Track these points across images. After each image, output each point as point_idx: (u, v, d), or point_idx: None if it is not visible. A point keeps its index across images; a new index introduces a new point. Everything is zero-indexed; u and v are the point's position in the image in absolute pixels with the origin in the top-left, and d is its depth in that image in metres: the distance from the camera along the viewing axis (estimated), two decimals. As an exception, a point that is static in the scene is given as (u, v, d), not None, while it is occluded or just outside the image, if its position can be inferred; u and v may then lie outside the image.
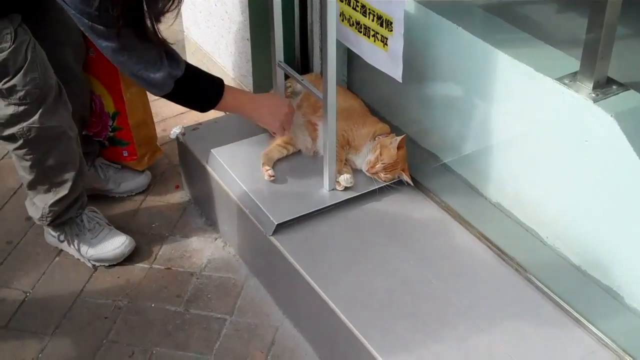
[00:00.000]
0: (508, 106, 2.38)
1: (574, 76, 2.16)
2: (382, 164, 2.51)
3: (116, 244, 2.69)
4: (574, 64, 2.17)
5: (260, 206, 2.49)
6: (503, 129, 2.43)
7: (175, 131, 3.23)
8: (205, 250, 2.78)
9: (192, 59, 3.60)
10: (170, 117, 3.45)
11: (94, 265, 2.70)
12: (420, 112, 2.75)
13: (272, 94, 2.69)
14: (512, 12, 2.69)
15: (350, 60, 2.94)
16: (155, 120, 3.27)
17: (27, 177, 2.52)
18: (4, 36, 2.21)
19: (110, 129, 2.91)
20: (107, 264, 2.71)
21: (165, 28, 2.28)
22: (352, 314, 2.18)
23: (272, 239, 2.43)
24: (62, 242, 2.70)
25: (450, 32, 2.47)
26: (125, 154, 2.97)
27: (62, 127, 2.46)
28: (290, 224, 2.46)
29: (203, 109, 2.49)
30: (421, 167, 2.67)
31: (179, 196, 3.03)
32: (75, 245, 2.68)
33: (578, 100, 2.11)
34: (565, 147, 2.21)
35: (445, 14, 2.51)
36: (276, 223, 2.43)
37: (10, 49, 2.22)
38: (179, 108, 3.47)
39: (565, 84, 2.15)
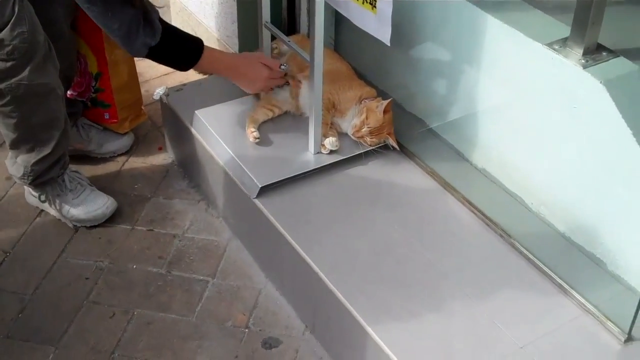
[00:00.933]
0: (496, 71, 2.36)
1: (564, 42, 2.14)
2: (368, 127, 2.49)
3: (98, 204, 2.66)
4: (564, 30, 2.15)
5: (245, 168, 2.46)
6: (490, 95, 2.41)
7: (158, 92, 3.19)
8: (188, 212, 2.76)
9: (176, 18, 3.55)
10: (154, 78, 3.40)
11: (75, 226, 2.67)
12: (407, 77, 2.72)
13: (258, 54, 2.65)
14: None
15: (338, 22, 2.90)
16: (139, 80, 3.24)
17: (11, 135, 2.48)
18: None
19: (92, 90, 2.86)
20: (88, 225, 2.68)
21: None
22: (335, 277, 2.17)
23: (256, 201, 2.41)
24: (43, 202, 2.67)
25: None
26: (107, 116, 2.92)
27: (50, 85, 2.41)
28: (274, 187, 2.44)
29: (181, 69, 2.54)
30: (407, 132, 2.65)
31: (162, 158, 2.99)
32: (57, 206, 2.65)
33: (567, 66, 2.09)
34: (553, 114, 2.19)
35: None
36: (260, 186, 2.40)
37: None
38: (163, 69, 3.42)
39: (554, 49, 2.12)
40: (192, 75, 3.34)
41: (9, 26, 2.21)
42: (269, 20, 2.57)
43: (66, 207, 2.64)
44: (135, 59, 2.84)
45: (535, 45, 2.16)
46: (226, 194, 2.62)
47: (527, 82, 2.25)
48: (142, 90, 3.24)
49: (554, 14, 2.29)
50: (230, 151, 2.54)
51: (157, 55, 2.40)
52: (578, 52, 2.10)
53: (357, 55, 2.88)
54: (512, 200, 2.41)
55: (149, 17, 2.29)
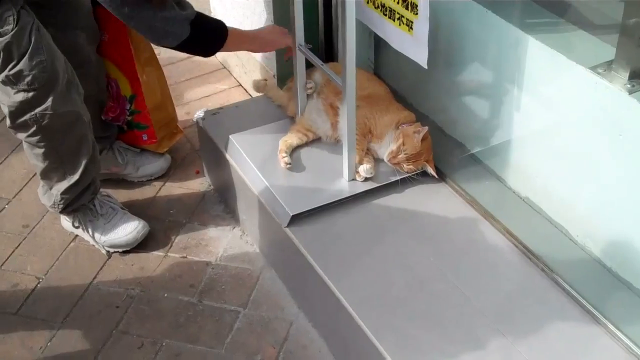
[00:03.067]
0: (539, 95, 2.24)
1: (608, 65, 2.01)
2: (405, 154, 2.39)
3: (129, 229, 2.62)
4: (609, 52, 2.02)
5: (276, 196, 2.39)
6: (533, 119, 2.29)
7: (198, 114, 3.16)
8: (222, 239, 2.70)
9: (219, 39, 3.51)
10: (194, 100, 3.36)
11: (108, 252, 2.64)
12: (447, 100, 2.62)
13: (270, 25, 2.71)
14: None
15: (377, 44, 2.81)
16: (178, 103, 3.21)
17: (40, 165, 2.46)
18: (5, 19, 2.13)
19: (128, 113, 2.83)
20: (121, 250, 2.64)
21: (193, 2, 2.31)
22: (365, 313, 2.07)
23: (287, 230, 2.33)
24: (76, 227, 2.64)
25: (480, 16, 2.34)
26: (145, 137, 2.90)
27: (75, 112, 2.39)
28: (306, 215, 2.36)
29: (210, 52, 2.46)
30: (447, 158, 2.54)
31: (199, 182, 2.94)
32: (89, 231, 2.62)
33: (612, 91, 1.96)
34: (598, 141, 2.06)
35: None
36: (291, 214, 2.33)
37: (13, 32, 2.14)
38: (203, 91, 3.41)
39: (599, 73, 2.00)
40: (230, 98, 3.32)
41: (27, 55, 2.18)
42: (302, 43, 2.49)
43: (98, 233, 2.61)
44: (171, 81, 2.80)
45: (578, 68, 2.04)
46: (259, 221, 2.55)
47: (571, 107, 2.13)
48: (182, 112, 3.22)
49: (599, 34, 2.16)
50: (262, 177, 2.47)
51: (195, 36, 2.29)
52: (624, 76, 1.97)
53: (397, 77, 2.79)
54: (555, 231, 2.28)
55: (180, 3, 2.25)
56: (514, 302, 2.09)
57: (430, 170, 2.44)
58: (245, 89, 3.39)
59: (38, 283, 2.56)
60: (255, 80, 2.96)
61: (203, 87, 3.44)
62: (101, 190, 2.64)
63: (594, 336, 1.99)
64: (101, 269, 2.60)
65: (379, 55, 2.86)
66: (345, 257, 2.26)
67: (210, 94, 3.38)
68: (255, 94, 3.06)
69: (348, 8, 2.13)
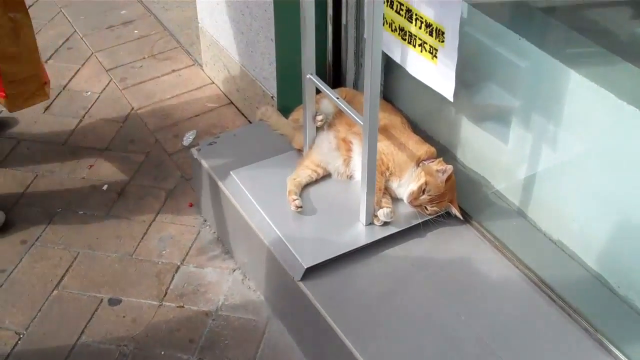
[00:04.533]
0: (578, 132, 2.03)
1: (662, 105, 1.81)
2: (429, 195, 2.17)
3: None
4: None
5: (288, 245, 2.16)
6: (573, 159, 2.08)
7: (188, 137, 2.92)
8: (222, 283, 2.46)
9: (207, 52, 3.25)
10: (183, 121, 3.10)
11: None
12: (470, 131, 2.39)
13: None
14: (578, 17, 2.31)
15: (387, 66, 2.58)
16: (165, 124, 2.95)
17: None
18: None
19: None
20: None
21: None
22: (396, 386, 1.86)
23: (301, 284, 2.10)
24: None
25: (511, 43, 2.11)
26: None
27: None
28: (320, 267, 2.13)
29: None
30: (471, 196, 2.32)
31: (193, 217, 2.69)
32: None
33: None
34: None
35: (504, 20, 2.15)
36: (306, 267, 2.10)
37: None
38: (191, 109, 3.15)
39: (653, 115, 1.80)
40: (221, 117, 3.07)
41: None
42: (314, 72, 2.25)
43: None
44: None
45: (628, 109, 1.83)
46: (266, 270, 2.31)
47: (617, 150, 1.92)
48: (170, 135, 2.96)
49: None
50: (270, 222, 2.23)
51: None
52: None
53: (412, 104, 2.56)
54: (595, 282, 2.08)
55: None
56: (558, 369, 1.90)
57: (455, 212, 2.23)
58: (237, 108, 3.14)
59: (18, 340, 2.29)
60: (259, 111, 2.71)
61: (191, 104, 3.18)
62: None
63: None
64: (89, 321, 2.34)
65: (389, 78, 2.62)
66: (367, 315, 2.03)
67: (200, 113, 3.12)
68: (252, 117, 2.81)
69: (374, 38, 1.89)
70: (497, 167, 2.33)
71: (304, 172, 2.34)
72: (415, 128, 2.48)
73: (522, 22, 2.12)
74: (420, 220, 2.22)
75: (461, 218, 2.24)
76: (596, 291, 2.06)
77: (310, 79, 2.24)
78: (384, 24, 2.24)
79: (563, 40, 2.10)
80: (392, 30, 2.25)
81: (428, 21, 2.09)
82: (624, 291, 2.02)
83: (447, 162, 2.26)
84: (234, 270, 2.49)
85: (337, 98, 2.18)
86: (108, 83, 3.36)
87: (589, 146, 2.03)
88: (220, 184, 2.43)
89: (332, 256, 2.13)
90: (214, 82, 3.29)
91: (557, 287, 2.07)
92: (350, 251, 2.16)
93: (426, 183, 2.18)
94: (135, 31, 3.71)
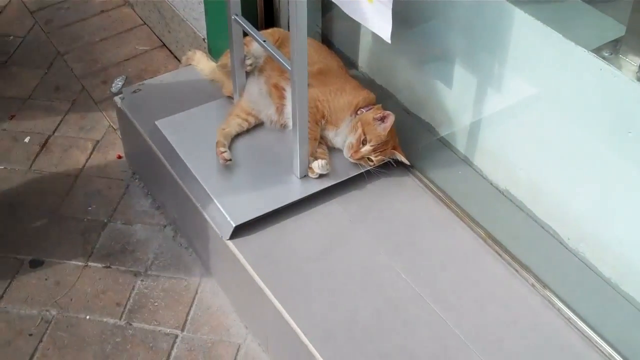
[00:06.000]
0: (526, 75, 1.88)
1: (615, 46, 1.67)
2: (371, 145, 2.02)
3: None
4: (616, 29, 1.68)
5: (215, 202, 2.00)
6: (518, 103, 1.94)
7: (117, 83, 2.74)
8: (151, 241, 2.30)
9: (137, -9, 3.04)
10: (111, 66, 2.90)
11: None
12: (413, 73, 2.23)
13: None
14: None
15: (325, 6, 2.39)
16: (92, 68, 2.75)
17: None
18: None
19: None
20: None
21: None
22: (326, 348, 1.73)
23: (230, 243, 1.96)
24: None
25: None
26: None
27: None
28: (252, 224, 1.98)
29: None
30: (413, 143, 2.18)
31: (121, 169, 2.52)
32: None
33: (621, 80, 1.62)
34: (600, 138, 1.73)
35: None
36: (234, 225, 1.95)
37: None
38: (121, 53, 2.95)
39: (604, 57, 1.66)
40: (153, 61, 2.87)
41: None
42: (239, 12, 2.06)
43: None
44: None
45: (577, 50, 1.69)
46: (196, 227, 2.16)
47: (567, 94, 1.78)
48: (98, 81, 2.78)
49: (601, 5, 1.80)
50: (197, 177, 2.07)
51: None
52: (635, 61, 1.63)
53: (352, 46, 2.39)
54: (544, 233, 1.96)
55: None
56: (501, 328, 1.77)
57: (402, 157, 2.08)
58: (170, 51, 2.94)
59: None
60: (184, 57, 2.51)
61: (121, 48, 2.98)
62: None
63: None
64: (8, 286, 2.18)
65: (327, 18, 2.44)
66: (300, 276, 1.90)
67: (130, 57, 2.92)
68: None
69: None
70: (441, 112, 2.19)
71: (234, 121, 2.17)
72: (357, 74, 2.32)
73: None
74: (361, 171, 2.07)
75: (408, 163, 2.09)
76: (545, 244, 1.95)
77: (236, 19, 2.06)
78: (316, -42, 2.06)
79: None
80: (325, -35, 2.07)
81: (363, -45, 1.91)
82: (574, 244, 1.90)
83: (388, 107, 2.11)
84: (165, 227, 2.34)
85: (264, 41, 2.01)
86: (32, 26, 3.13)
87: (537, 90, 1.88)
88: (145, 135, 2.26)
89: (262, 213, 1.98)
90: (145, 23, 3.08)
91: (504, 240, 1.95)
92: (282, 207, 2.01)
93: (364, 133, 2.02)
94: (63, -32, 3.47)
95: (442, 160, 2.16)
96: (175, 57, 2.88)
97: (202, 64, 2.40)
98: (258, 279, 1.88)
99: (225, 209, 1.98)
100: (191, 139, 2.18)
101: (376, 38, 2.03)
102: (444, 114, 2.18)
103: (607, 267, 1.84)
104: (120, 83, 2.76)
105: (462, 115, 2.13)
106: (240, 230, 1.96)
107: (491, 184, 2.09)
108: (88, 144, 2.60)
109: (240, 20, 2.05)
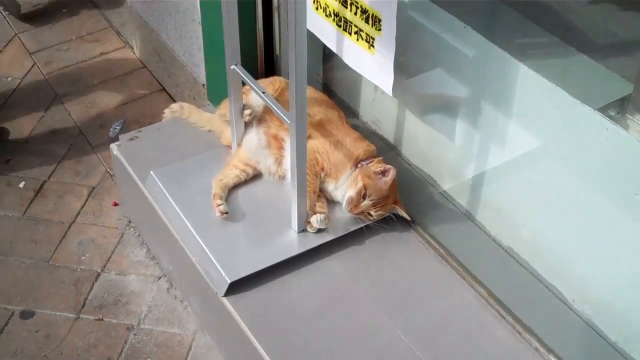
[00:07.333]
0: (529, 130, 1.84)
1: (622, 105, 1.62)
2: (370, 200, 1.97)
3: None
4: (622, 87, 1.63)
5: (211, 256, 1.95)
6: (524, 159, 1.90)
7: (115, 128, 2.69)
8: (145, 293, 2.25)
9: (136, 34, 3.01)
10: (110, 110, 2.86)
11: None
12: (415, 125, 2.19)
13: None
14: (529, 3, 2.09)
15: (326, 56, 2.36)
16: (91, 112, 2.72)
17: None
18: None
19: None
20: None
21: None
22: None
23: (225, 300, 1.90)
24: None
25: (455, 31, 1.91)
26: None
27: None
28: (248, 279, 1.92)
29: None
30: (416, 197, 2.13)
31: (116, 217, 2.47)
32: None
33: (627, 141, 1.58)
34: (608, 196, 1.68)
35: (448, 6, 1.94)
36: (230, 281, 1.89)
37: None
38: (120, 97, 2.91)
39: (610, 116, 1.61)
40: (152, 106, 2.84)
41: None
42: (239, 61, 2.03)
43: None
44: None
45: (583, 109, 1.64)
46: (190, 281, 2.11)
47: (572, 154, 1.74)
48: (96, 125, 2.73)
49: (608, 62, 1.76)
50: (193, 230, 2.02)
51: None
52: (642, 121, 1.59)
53: (352, 94, 2.35)
54: (548, 294, 1.90)
55: None
56: (505, 396, 1.72)
57: (402, 212, 2.03)
58: (169, 95, 2.91)
59: None
60: (168, 110, 2.43)
61: (120, 91, 2.94)
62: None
63: None
64: (-3, 337, 2.14)
65: (328, 66, 2.40)
66: (297, 336, 1.83)
67: (129, 101, 2.89)
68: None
69: (298, 21, 1.67)
70: (443, 166, 2.14)
71: (232, 172, 2.13)
72: (357, 123, 2.27)
73: (467, 8, 1.91)
74: (360, 225, 2.02)
75: (409, 218, 2.04)
76: (549, 305, 1.89)
77: (235, 69, 2.02)
78: (317, 8, 2.02)
79: (512, 29, 1.90)
80: (326, 16, 2.03)
81: (364, 6, 1.87)
82: (579, 305, 1.84)
83: (389, 160, 2.07)
84: (159, 278, 2.29)
85: (263, 92, 1.97)
86: (31, 67, 3.10)
87: (541, 146, 1.84)
88: (140, 184, 2.21)
89: (259, 269, 1.92)
90: (145, 66, 3.05)
91: (506, 300, 1.89)
92: (279, 262, 1.95)
93: (365, 187, 1.98)
94: (64, 10, 3.44)
95: (443, 215, 2.10)
96: (175, 102, 2.84)
97: (193, 117, 2.35)
98: (253, 339, 1.82)
99: (220, 264, 1.93)
100: (187, 189, 2.13)
101: (378, 87, 1.99)
102: (446, 168, 2.13)
103: (613, 331, 1.78)
104: (118, 127, 2.73)
105: (464, 169, 2.08)
106: (235, 287, 1.91)
107: (494, 240, 2.04)
108: (84, 190, 2.55)
109: (239, 71, 2.01)
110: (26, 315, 2.19)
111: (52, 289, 2.25)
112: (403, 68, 1.90)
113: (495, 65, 1.86)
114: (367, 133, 2.23)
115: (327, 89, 2.42)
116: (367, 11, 1.87)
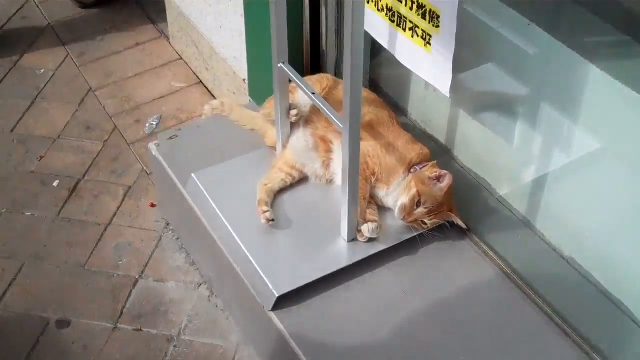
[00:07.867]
0: (594, 133, 1.72)
1: None
2: (425, 208, 1.85)
3: None
4: None
5: (257, 268, 1.84)
6: (589, 163, 1.77)
7: (152, 124, 2.59)
8: (185, 301, 2.15)
9: (174, 25, 2.89)
10: (145, 103, 2.75)
11: None
12: (472, 128, 2.06)
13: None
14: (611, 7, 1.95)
15: (374, 51, 2.23)
16: (125, 107, 2.62)
17: None
18: None
19: None
20: None
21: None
22: None
23: (272, 315, 1.80)
24: None
25: (519, 28, 1.78)
26: None
27: None
28: (295, 293, 1.82)
29: None
30: (471, 204, 2.00)
31: (154, 219, 2.37)
32: None
33: None
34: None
35: (511, 2, 1.80)
36: (277, 295, 1.79)
37: None
38: (156, 90, 2.81)
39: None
40: (189, 100, 2.73)
41: None
42: (286, 59, 1.91)
43: None
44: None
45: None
46: (233, 291, 2.01)
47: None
48: (131, 120, 2.63)
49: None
50: (237, 238, 1.91)
51: None
52: None
53: (403, 93, 2.22)
54: (614, 310, 1.78)
55: None
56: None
57: (458, 221, 1.91)
58: (207, 89, 2.79)
59: (-49, 370, 2.01)
60: (208, 106, 2.30)
61: (156, 84, 2.84)
62: None
63: None
64: (33, 349, 2.04)
65: (376, 62, 2.28)
66: (348, 353, 1.73)
67: (165, 95, 2.78)
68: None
69: (355, 21, 1.55)
70: (500, 170, 2.02)
71: (277, 175, 2.02)
72: (409, 125, 2.15)
73: (532, 4, 1.78)
74: (413, 234, 1.91)
75: (465, 227, 1.92)
76: (618, 323, 1.77)
77: (282, 68, 1.90)
78: (369, 2, 1.90)
79: (580, 27, 1.76)
80: (378, 10, 1.90)
81: (420, 1, 1.75)
82: (652, 326, 1.72)
83: (443, 165, 1.95)
84: (200, 285, 2.19)
85: (314, 94, 1.85)
86: (64, 59, 3.00)
87: (608, 150, 1.71)
88: (180, 187, 2.11)
89: (308, 281, 1.82)
90: (181, 58, 2.94)
91: (570, 317, 1.77)
92: (329, 274, 1.85)
93: (419, 194, 1.86)
94: (97, -2, 3.33)
95: (500, 223, 1.98)
96: (213, 96, 2.74)
97: (235, 114, 2.23)
98: (302, 356, 1.72)
99: (267, 276, 1.82)
100: (230, 193, 2.03)
101: (429, 84, 1.86)
102: (503, 172, 2.00)
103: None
104: (154, 123, 2.63)
105: (523, 173, 1.96)
106: (282, 301, 1.80)
107: (554, 250, 1.91)
108: (119, 189, 2.46)
109: (287, 69, 1.90)
110: (62, 324, 2.10)
111: (89, 296, 2.16)
112: (456, 65, 1.77)
113: (561, 65, 1.73)
114: (416, 133, 2.11)
115: (374, 84, 2.30)
116: (425, 6, 1.74)
